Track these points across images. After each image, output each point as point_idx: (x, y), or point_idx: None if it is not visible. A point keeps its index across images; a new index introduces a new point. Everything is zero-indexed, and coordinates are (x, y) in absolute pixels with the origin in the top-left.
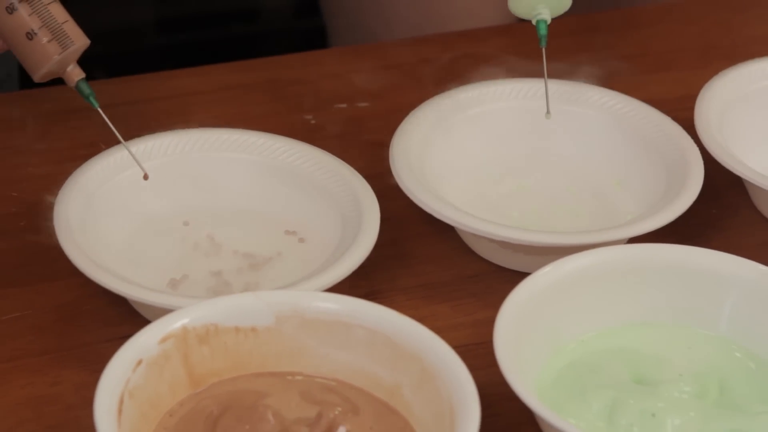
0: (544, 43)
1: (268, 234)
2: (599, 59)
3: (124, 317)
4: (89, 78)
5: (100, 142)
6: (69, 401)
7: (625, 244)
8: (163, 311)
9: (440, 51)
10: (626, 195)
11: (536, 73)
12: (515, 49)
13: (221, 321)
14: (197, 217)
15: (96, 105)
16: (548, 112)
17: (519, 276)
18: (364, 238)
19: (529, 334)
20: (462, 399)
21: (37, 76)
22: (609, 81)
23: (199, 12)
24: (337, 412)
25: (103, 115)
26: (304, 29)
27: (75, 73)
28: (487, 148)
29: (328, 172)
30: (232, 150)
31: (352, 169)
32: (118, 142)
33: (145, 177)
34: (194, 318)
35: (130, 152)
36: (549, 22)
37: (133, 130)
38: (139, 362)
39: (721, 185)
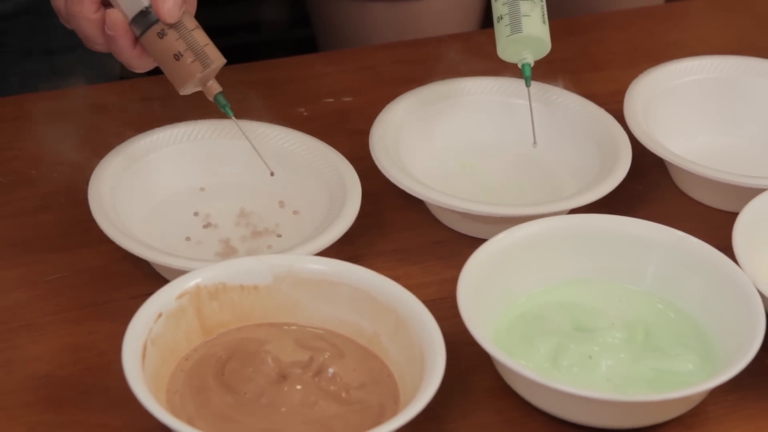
0: (529, 83)
1: (268, 207)
2: (544, 61)
3: (147, 277)
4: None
5: (125, 133)
6: (101, 348)
7: (566, 214)
8: (179, 272)
9: (411, 54)
10: (567, 173)
11: (492, 72)
12: (475, 52)
13: (228, 280)
14: (209, 194)
15: (231, 114)
16: (535, 141)
17: (478, 242)
18: (348, 211)
19: (486, 291)
20: (430, 345)
21: (182, 91)
22: (552, 79)
23: (210, 24)
24: (326, 356)
25: (236, 122)
26: (297, 39)
27: (214, 88)
28: (452, 134)
29: (318, 155)
30: (238, 137)
31: (338, 152)
32: (134, 134)
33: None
34: (206, 278)
35: (255, 149)
36: (532, 65)
37: (159, 120)
38: (160, 315)
39: (646, 165)
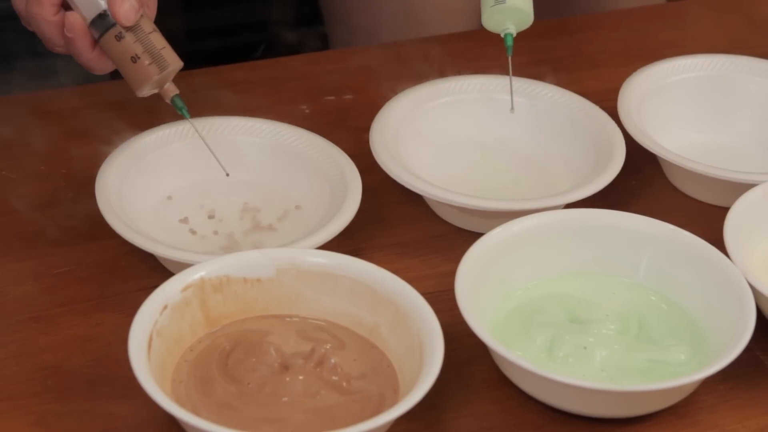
0: (510, 52)
1: (271, 202)
2: (541, 60)
3: (153, 271)
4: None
5: (131, 129)
6: (108, 339)
7: (562, 209)
8: (184, 265)
9: (412, 53)
10: (563, 169)
11: (491, 71)
12: (475, 52)
13: (232, 273)
14: (213, 189)
15: (187, 116)
16: (512, 108)
17: (475, 236)
18: (348, 205)
19: (483, 283)
20: (429, 336)
21: (139, 93)
22: (548, 77)
23: (219, 24)
24: (327, 347)
25: (193, 125)
26: (300, 38)
27: (170, 90)
28: (451, 130)
29: (320, 151)
30: (242, 134)
31: (339, 149)
32: (140, 131)
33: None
34: (210, 271)
35: (211, 151)
36: (514, 35)
37: (167, 117)
38: (165, 307)
39: (640, 161)
